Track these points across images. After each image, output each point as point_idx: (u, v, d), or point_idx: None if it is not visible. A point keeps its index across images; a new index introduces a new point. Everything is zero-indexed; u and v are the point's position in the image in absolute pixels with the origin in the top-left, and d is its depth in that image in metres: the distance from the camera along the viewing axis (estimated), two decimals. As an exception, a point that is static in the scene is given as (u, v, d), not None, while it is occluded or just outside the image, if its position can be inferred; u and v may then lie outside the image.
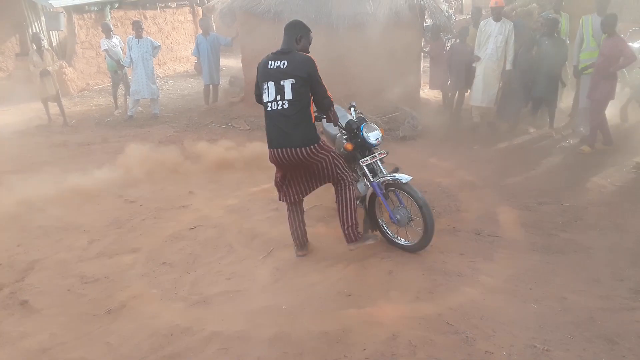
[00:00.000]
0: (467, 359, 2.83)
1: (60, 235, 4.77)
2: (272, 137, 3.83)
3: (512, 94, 7.85)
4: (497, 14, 7.70)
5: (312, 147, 3.76)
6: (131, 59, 9.39)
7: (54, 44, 13.42)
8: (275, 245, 4.45)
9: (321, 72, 3.75)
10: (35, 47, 9.23)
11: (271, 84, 3.74)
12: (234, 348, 3.08)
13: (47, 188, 5.71)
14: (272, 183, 4.27)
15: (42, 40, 9.45)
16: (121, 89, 10.26)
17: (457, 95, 8.62)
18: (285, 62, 3.71)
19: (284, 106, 3.70)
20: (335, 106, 4.10)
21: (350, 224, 3.97)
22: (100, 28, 10.99)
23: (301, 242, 4.23)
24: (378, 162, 4.21)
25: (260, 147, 6.24)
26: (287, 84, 3.68)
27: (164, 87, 12.81)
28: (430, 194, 5.48)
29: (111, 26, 10.21)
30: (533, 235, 4.59)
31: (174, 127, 8.86)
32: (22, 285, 3.88)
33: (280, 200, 4.19)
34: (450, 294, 3.60)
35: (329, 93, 3.85)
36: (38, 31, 12.58)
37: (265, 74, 3.79)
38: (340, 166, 3.96)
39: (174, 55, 15.37)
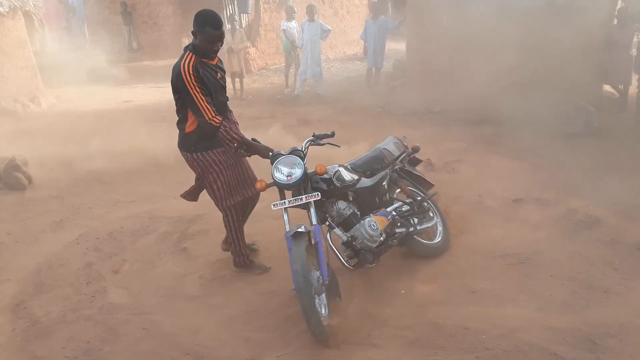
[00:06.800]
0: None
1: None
2: None
3: None
4: None
5: (184, 153, 3.61)
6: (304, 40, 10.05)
7: (243, 25, 14.93)
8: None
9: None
10: (229, 27, 10.39)
11: None
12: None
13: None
14: None
15: (235, 21, 10.62)
16: (293, 69, 11.04)
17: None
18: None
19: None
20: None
21: (233, 250, 3.82)
22: (283, 11, 11.88)
23: None
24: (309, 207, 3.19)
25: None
26: None
27: (331, 69, 13.40)
28: (591, 195, 4.91)
29: (295, 9, 10.97)
30: None
31: (333, 108, 9.30)
32: (186, 234, 4.54)
33: None
34: (590, 309, 3.26)
35: (207, 114, 3.31)
36: (233, 13, 14.11)
37: None
38: (210, 191, 3.69)
39: (345, 38, 15.89)
